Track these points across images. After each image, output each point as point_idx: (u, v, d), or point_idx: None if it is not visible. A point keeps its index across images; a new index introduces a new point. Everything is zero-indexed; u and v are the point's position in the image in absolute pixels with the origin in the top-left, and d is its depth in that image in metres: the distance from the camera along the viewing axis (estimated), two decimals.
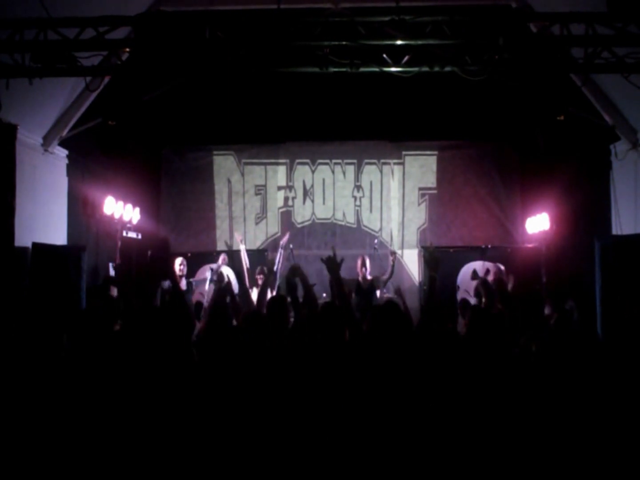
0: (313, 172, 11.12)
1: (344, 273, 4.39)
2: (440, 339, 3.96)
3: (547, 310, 6.54)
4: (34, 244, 7.44)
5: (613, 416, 3.39)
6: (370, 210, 11.10)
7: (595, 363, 3.74)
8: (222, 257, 8.97)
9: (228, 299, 4.85)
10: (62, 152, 8.73)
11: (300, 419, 3.30)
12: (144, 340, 3.77)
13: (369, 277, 8.46)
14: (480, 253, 9.95)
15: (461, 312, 8.33)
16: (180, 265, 8.28)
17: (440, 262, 4.32)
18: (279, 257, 9.21)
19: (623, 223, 8.22)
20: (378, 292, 8.58)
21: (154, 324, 3.82)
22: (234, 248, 9.09)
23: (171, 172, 11.26)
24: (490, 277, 8.53)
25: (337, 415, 3.27)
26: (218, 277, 8.45)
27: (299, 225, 11.08)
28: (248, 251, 9.60)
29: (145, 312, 4.12)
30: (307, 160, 11.12)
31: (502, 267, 9.32)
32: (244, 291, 6.21)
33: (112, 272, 9.29)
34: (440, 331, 4.19)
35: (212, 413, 3.34)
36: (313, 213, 11.10)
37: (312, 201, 11.12)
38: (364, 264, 8.44)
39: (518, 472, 3.23)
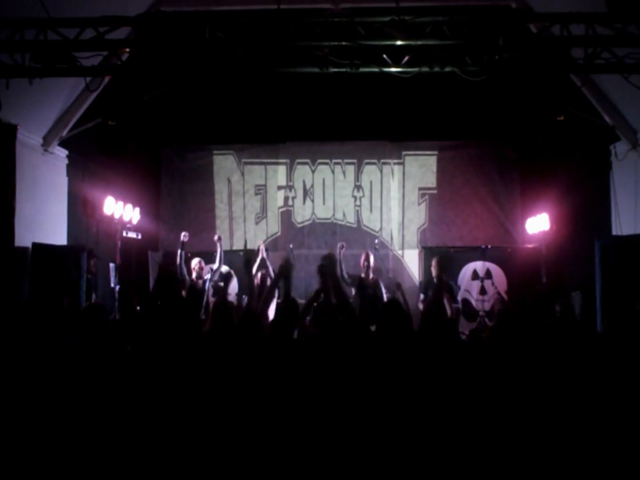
0: (313, 172, 11.11)
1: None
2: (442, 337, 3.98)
3: (557, 308, 6.61)
4: (34, 244, 7.44)
5: (614, 413, 3.40)
6: (371, 210, 11.09)
7: (594, 359, 3.76)
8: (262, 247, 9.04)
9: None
10: (62, 152, 8.73)
11: (303, 417, 3.31)
12: (143, 337, 3.78)
13: (371, 276, 8.47)
14: (480, 253, 9.94)
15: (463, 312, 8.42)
16: (198, 265, 8.32)
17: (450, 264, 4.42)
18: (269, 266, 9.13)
19: (623, 223, 8.23)
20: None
21: (155, 322, 3.83)
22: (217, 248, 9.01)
23: (171, 172, 11.24)
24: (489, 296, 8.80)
25: (340, 414, 3.28)
26: (221, 278, 8.49)
27: (299, 225, 11.07)
28: (249, 250, 9.62)
29: (146, 311, 4.13)
30: (307, 160, 11.11)
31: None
32: (250, 290, 6.18)
33: (112, 271, 9.31)
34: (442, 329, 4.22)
35: (216, 411, 3.35)
36: (313, 213, 11.09)
37: (312, 201, 11.10)
38: (367, 259, 8.47)
39: (523, 464, 3.24)
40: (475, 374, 3.56)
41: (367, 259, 8.46)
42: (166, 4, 7.77)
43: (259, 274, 8.29)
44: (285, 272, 4.78)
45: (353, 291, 8.39)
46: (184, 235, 8.48)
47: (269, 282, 8.47)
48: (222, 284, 8.32)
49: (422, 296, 8.43)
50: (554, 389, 3.53)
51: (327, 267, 4.22)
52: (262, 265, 8.68)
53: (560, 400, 3.46)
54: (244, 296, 8.50)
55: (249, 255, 7.25)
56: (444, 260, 8.80)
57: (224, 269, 9.01)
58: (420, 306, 8.01)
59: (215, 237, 8.85)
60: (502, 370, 3.63)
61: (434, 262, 8.58)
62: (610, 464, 3.27)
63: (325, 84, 8.42)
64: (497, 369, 3.63)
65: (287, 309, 4.08)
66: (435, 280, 8.11)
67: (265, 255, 8.94)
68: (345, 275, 8.45)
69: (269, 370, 3.51)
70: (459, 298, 9.20)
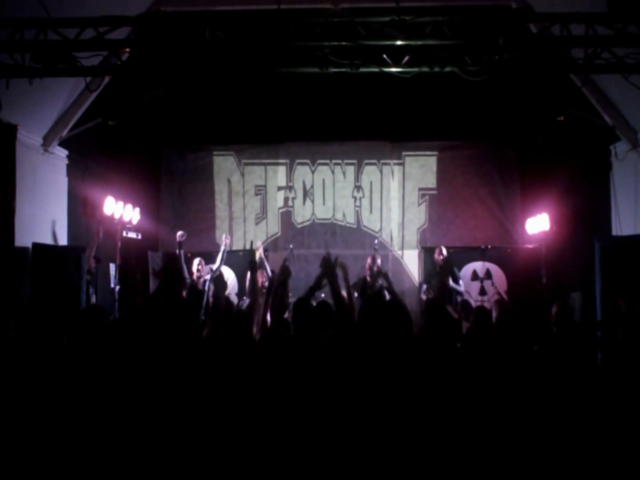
0: (313, 172, 11.11)
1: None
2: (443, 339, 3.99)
3: (554, 310, 6.58)
4: (34, 244, 7.44)
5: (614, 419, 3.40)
6: (370, 211, 11.09)
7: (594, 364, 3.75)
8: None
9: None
10: (62, 152, 8.72)
11: (300, 419, 3.30)
12: (143, 337, 3.78)
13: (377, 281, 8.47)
14: (480, 254, 9.94)
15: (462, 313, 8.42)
16: (199, 265, 8.30)
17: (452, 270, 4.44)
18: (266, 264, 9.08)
19: (623, 223, 8.23)
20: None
21: (155, 321, 3.83)
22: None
23: (171, 172, 11.25)
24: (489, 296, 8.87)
25: (338, 415, 3.28)
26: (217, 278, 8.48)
27: (299, 226, 11.06)
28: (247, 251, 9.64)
29: (145, 310, 4.13)
30: (307, 161, 11.11)
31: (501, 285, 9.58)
32: (252, 290, 6.17)
33: (112, 271, 9.31)
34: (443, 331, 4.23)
35: (216, 412, 3.35)
36: (313, 213, 11.09)
37: (312, 201, 11.10)
38: (374, 262, 8.48)
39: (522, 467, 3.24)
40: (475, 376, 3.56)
41: (373, 261, 8.51)
42: (166, 4, 7.77)
43: (262, 280, 8.27)
44: (284, 277, 4.75)
45: (355, 294, 8.37)
46: (180, 235, 8.36)
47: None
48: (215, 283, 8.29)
49: (424, 286, 8.50)
50: (546, 390, 3.53)
51: (328, 261, 4.21)
52: (261, 265, 8.63)
53: (552, 402, 3.47)
54: (244, 298, 8.50)
55: (253, 258, 7.25)
56: (447, 265, 8.85)
57: (225, 269, 8.99)
58: (424, 297, 8.17)
59: (224, 236, 8.86)
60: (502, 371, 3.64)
61: (437, 251, 8.69)
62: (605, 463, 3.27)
63: (325, 84, 8.42)
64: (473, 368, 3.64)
65: (300, 310, 4.06)
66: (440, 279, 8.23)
67: (263, 256, 8.92)
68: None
69: (271, 371, 3.51)
70: (458, 299, 9.19)
